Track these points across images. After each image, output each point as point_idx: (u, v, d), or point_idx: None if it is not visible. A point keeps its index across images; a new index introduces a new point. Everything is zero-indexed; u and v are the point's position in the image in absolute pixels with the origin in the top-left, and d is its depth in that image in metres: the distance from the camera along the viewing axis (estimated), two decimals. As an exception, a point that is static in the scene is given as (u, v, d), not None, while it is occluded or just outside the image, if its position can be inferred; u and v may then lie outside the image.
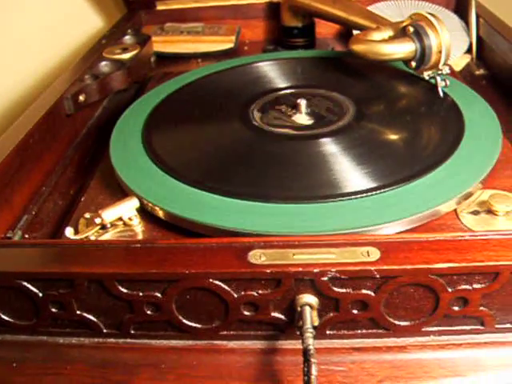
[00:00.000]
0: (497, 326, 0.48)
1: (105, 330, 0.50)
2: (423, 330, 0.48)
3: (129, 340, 0.51)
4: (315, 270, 0.44)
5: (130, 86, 0.86)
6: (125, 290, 0.47)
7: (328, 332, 0.48)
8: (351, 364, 0.48)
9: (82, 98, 0.77)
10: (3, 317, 0.51)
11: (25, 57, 1.04)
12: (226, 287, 0.45)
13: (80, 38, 1.16)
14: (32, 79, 1.07)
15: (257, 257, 0.45)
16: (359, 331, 0.48)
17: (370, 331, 0.48)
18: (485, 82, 0.90)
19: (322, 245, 0.46)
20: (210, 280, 0.45)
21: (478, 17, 0.94)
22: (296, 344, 0.48)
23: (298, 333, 0.45)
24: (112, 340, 0.51)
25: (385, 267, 0.44)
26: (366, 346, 0.48)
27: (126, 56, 0.86)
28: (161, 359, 0.49)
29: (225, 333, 0.49)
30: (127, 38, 0.94)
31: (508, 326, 0.48)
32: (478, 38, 0.95)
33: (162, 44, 1.02)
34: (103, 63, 0.85)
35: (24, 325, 0.51)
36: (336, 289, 0.45)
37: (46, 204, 0.67)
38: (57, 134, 0.75)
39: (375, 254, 0.45)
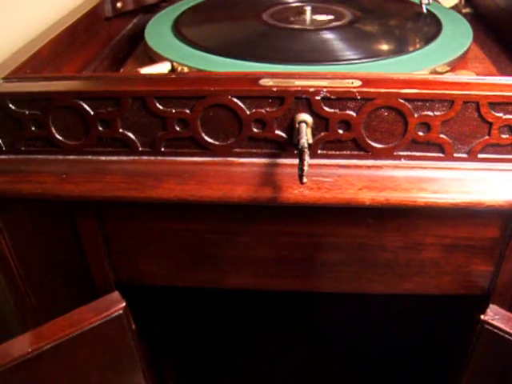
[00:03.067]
0: (455, 154, 0.60)
1: (140, 148, 0.62)
2: (395, 153, 0.60)
3: (159, 157, 0.62)
4: (311, 90, 0.56)
5: (159, 4, 0.98)
6: (161, 107, 0.59)
7: (319, 151, 0.60)
8: (337, 177, 0.60)
9: (119, 4, 0.90)
10: (57, 136, 0.62)
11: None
12: (241, 104, 0.58)
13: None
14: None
15: (266, 82, 0.58)
16: (344, 152, 0.60)
17: (353, 153, 0.60)
18: (469, 17, 1.02)
19: (317, 77, 0.59)
20: (229, 97, 0.57)
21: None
22: (293, 161, 0.60)
23: (295, 151, 0.57)
24: (145, 157, 0.63)
25: (364, 89, 0.56)
26: (349, 164, 0.60)
27: (157, -23, 0.99)
28: (185, 170, 0.61)
29: (237, 150, 0.61)
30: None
31: (464, 155, 0.60)
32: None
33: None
34: (137, -19, 0.98)
35: (74, 144, 0.62)
36: (326, 108, 0.57)
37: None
38: (96, 33, 0.88)
39: (358, 83, 0.57)
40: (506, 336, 0.62)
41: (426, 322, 0.97)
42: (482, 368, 0.66)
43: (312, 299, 0.97)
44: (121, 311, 0.64)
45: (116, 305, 0.64)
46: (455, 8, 1.03)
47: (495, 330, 0.62)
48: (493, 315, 0.63)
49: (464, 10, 1.03)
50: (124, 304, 0.63)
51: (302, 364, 1.08)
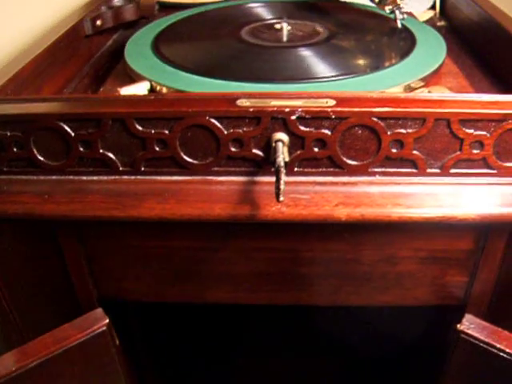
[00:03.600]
0: (428, 170, 0.61)
1: (121, 168, 0.63)
2: (370, 170, 0.62)
3: (139, 177, 0.63)
4: (286, 110, 0.58)
5: (138, 20, 1.00)
6: (140, 128, 0.60)
7: (296, 169, 0.62)
8: (313, 194, 0.61)
9: (99, 22, 0.91)
10: (39, 157, 0.63)
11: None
12: (219, 124, 0.59)
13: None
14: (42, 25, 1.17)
15: (243, 102, 0.59)
16: (320, 169, 0.62)
17: (328, 170, 0.62)
18: (444, 30, 1.04)
19: (292, 97, 0.60)
20: (207, 118, 0.59)
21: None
22: (271, 178, 0.61)
23: (272, 169, 0.59)
24: (126, 177, 0.64)
25: (338, 109, 0.58)
26: (325, 181, 0.62)
27: (136, -5, 1.00)
28: (165, 189, 0.63)
29: (216, 169, 0.62)
30: (136, -17, 1.09)
31: (436, 170, 0.62)
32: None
33: (165, -6, 1.16)
34: (116, -1, 0.99)
35: (55, 165, 0.63)
36: (302, 127, 0.59)
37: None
38: (76, 50, 0.89)
39: (332, 102, 0.59)
40: (481, 345, 0.63)
41: (407, 329, 0.98)
42: (459, 376, 0.68)
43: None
44: (104, 327, 0.65)
45: (99, 321, 0.65)
46: (430, 21, 1.06)
47: (471, 339, 0.64)
48: (468, 324, 0.64)
49: (439, 23, 1.05)
50: (107, 321, 0.64)
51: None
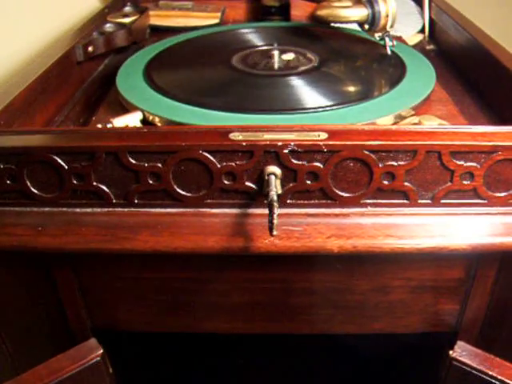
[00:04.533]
0: (419, 201, 0.62)
1: (114, 200, 0.63)
2: (362, 201, 0.62)
3: (133, 209, 0.64)
4: (279, 144, 0.59)
5: (130, 45, 1.00)
6: (133, 161, 0.60)
7: (288, 201, 0.62)
8: (306, 226, 0.62)
9: (90, 48, 0.92)
10: (32, 189, 0.63)
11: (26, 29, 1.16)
12: (212, 158, 0.60)
13: (80, 13, 1.29)
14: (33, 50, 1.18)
15: (236, 136, 0.60)
16: (313, 201, 0.62)
17: (321, 201, 0.62)
18: (433, 54, 1.06)
19: (285, 130, 0.61)
20: (200, 151, 0.59)
21: (430, 1, 1.11)
22: (264, 210, 0.61)
23: (265, 201, 0.59)
24: (119, 209, 0.64)
25: (330, 142, 0.59)
26: (317, 213, 0.62)
27: (128, 20, 1.01)
28: (158, 222, 0.63)
29: (209, 201, 0.62)
30: (127, 8, 1.10)
31: (427, 201, 0.62)
32: (430, 19, 1.11)
33: (156, 18, 1.17)
34: (108, 25, 1.00)
35: (48, 197, 0.63)
36: (294, 161, 0.59)
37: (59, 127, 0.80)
38: (68, 77, 0.89)
39: (324, 135, 0.60)
40: (474, 372, 0.64)
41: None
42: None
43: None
44: (98, 358, 0.65)
45: (93, 352, 0.65)
46: (419, 45, 1.07)
47: (463, 366, 0.64)
48: (460, 352, 0.65)
49: (428, 47, 1.06)
50: (101, 351, 0.65)
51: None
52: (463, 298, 0.68)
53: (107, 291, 0.68)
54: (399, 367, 0.98)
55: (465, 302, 0.68)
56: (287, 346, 1.06)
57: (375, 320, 0.70)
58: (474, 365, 0.64)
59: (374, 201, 0.61)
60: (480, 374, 0.63)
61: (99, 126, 0.71)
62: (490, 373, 0.62)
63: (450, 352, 0.63)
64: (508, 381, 0.61)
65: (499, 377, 0.61)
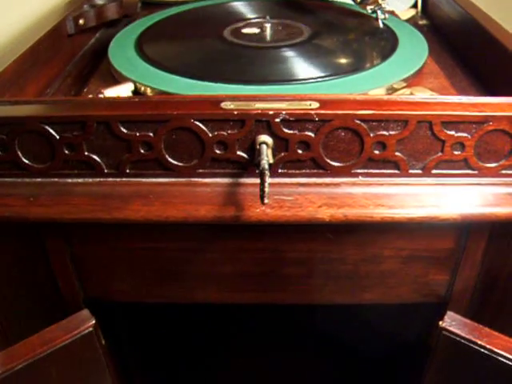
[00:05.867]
0: (410, 171, 0.62)
1: (106, 170, 0.63)
2: (353, 171, 0.62)
3: (124, 179, 0.64)
4: (270, 112, 0.59)
5: (121, 19, 1.00)
6: (125, 131, 0.60)
7: (280, 171, 0.62)
8: (297, 195, 0.62)
9: (81, 21, 0.91)
10: (24, 160, 0.63)
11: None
12: (203, 127, 0.60)
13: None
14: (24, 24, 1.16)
15: (227, 105, 0.60)
16: (304, 171, 0.62)
17: (312, 171, 0.62)
18: (426, 29, 1.05)
19: (276, 99, 0.61)
20: (192, 120, 0.59)
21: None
22: (255, 180, 0.62)
23: (256, 171, 0.59)
24: (111, 179, 0.64)
25: (322, 111, 0.59)
26: (309, 183, 0.63)
27: (119, -7, 1.00)
28: (150, 191, 0.63)
29: (201, 171, 0.63)
30: (119, -19, 1.09)
31: (418, 171, 0.62)
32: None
33: (148, -9, 1.16)
34: (99, -3, 0.99)
35: (40, 168, 0.63)
36: (286, 130, 0.59)
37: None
38: (59, 50, 0.88)
39: (315, 105, 0.60)
40: (463, 341, 0.65)
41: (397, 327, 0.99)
42: (442, 372, 0.69)
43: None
44: (91, 328, 0.66)
45: (86, 323, 0.66)
46: (412, 20, 1.07)
47: (452, 336, 0.65)
48: (450, 322, 0.66)
49: (420, 22, 1.06)
50: (93, 322, 0.65)
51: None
52: (453, 269, 0.68)
53: (99, 262, 0.69)
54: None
55: (455, 272, 0.68)
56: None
57: (366, 290, 0.70)
58: (463, 334, 0.64)
59: (365, 170, 0.61)
60: (469, 344, 0.64)
61: (90, 96, 0.70)
62: (479, 342, 0.63)
63: (440, 322, 0.64)
64: (496, 349, 0.61)
65: (488, 346, 0.62)
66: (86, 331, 0.65)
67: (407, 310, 0.79)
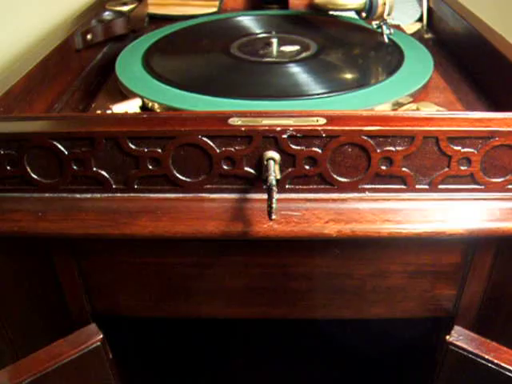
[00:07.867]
0: (417, 186, 0.63)
1: (114, 186, 0.64)
2: (360, 187, 0.63)
3: (132, 194, 0.64)
4: (278, 129, 0.59)
5: (128, 33, 1.01)
6: (133, 147, 0.61)
7: (287, 186, 0.63)
8: (305, 211, 0.62)
9: (89, 36, 0.92)
10: (32, 175, 0.63)
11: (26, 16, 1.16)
12: (211, 143, 0.60)
13: (79, 1, 1.28)
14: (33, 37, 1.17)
15: (235, 121, 0.60)
16: (311, 186, 0.63)
17: (319, 187, 0.63)
18: (431, 43, 1.06)
19: (284, 115, 0.61)
20: (199, 136, 0.60)
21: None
22: (263, 195, 0.62)
23: (264, 186, 0.60)
24: (119, 194, 0.64)
25: (329, 127, 0.59)
26: (316, 198, 0.63)
27: (126, 8, 1.01)
28: (158, 207, 0.63)
29: (208, 186, 0.63)
30: (126, -4, 1.10)
31: (425, 186, 0.63)
32: (429, 8, 1.11)
33: (155, 6, 1.17)
34: (106, 13, 1.00)
35: (48, 183, 0.64)
36: (293, 146, 0.60)
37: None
38: (67, 65, 0.89)
39: (322, 121, 0.60)
40: (470, 356, 0.65)
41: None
42: (449, 387, 0.69)
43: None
44: (98, 343, 0.66)
45: (93, 337, 0.66)
46: (417, 33, 1.07)
47: (460, 351, 0.65)
48: (457, 336, 0.66)
49: (426, 36, 1.07)
50: (101, 336, 0.65)
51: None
52: (460, 283, 0.68)
53: (107, 276, 0.69)
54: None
55: (462, 287, 0.68)
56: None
57: (373, 305, 0.70)
58: (471, 349, 0.64)
59: (372, 186, 0.62)
60: (476, 358, 0.64)
61: (99, 112, 0.71)
62: (486, 357, 0.63)
63: (447, 337, 0.64)
64: (504, 364, 0.61)
65: (495, 361, 0.62)
66: (94, 346, 0.65)
67: (414, 324, 0.79)
